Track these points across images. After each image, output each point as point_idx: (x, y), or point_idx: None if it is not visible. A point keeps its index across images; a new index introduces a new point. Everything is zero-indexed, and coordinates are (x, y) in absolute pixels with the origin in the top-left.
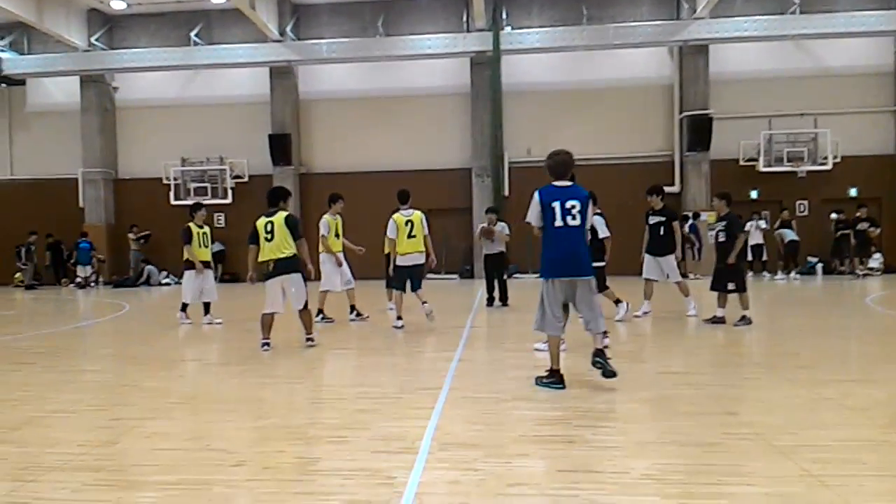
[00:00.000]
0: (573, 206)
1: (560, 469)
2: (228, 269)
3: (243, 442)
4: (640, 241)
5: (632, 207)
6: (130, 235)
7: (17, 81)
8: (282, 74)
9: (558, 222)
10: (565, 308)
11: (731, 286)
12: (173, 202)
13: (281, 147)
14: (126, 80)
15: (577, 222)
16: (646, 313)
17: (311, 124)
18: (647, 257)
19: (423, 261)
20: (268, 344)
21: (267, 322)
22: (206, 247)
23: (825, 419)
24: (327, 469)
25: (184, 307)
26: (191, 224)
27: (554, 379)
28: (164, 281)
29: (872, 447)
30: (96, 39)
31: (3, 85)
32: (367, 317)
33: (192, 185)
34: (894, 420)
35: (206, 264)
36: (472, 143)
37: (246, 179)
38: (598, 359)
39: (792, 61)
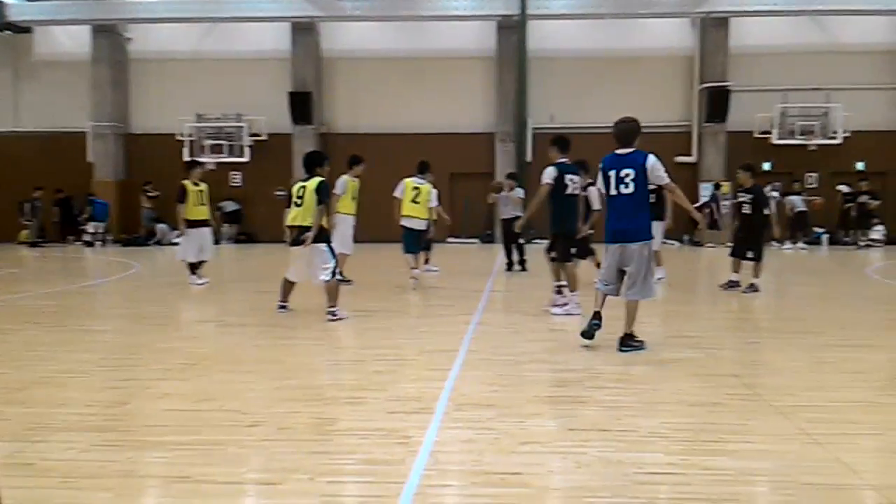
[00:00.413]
0: (626, 175)
1: (571, 428)
2: (245, 228)
3: (259, 403)
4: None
5: None
6: (146, 192)
7: (23, 28)
8: (304, 31)
9: (612, 191)
10: (621, 274)
11: (750, 254)
12: (187, 159)
13: (301, 105)
14: (140, 30)
15: (630, 190)
16: (660, 278)
17: (334, 83)
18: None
19: (422, 227)
20: (284, 306)
21: (287, 287)
22: (204, 204)
23: (824, 381)
24: (343, 429)
25: (191, 268)
26: (185, 182)
27: (636, 341)
28: (175, 240)
29: (866, 408)
30: None
31: (8, 32)
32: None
33: (208, 142)
34: (890, 382)
35: (204, 223)
36: (495, 108)
37: (264, 138)
38: (624, 344)
39: (808, 36)
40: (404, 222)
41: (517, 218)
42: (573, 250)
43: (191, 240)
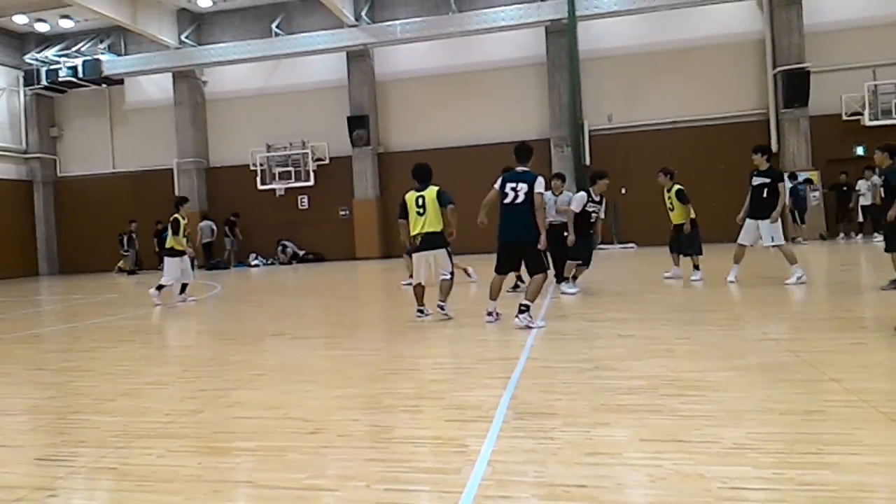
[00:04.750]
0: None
1: (642, 438)
2: (313, 248)
3: (320, 411)
4: (736, 204)
5: (723, 171)
6: (233, 222)
7: (116, 81)
8: (358, 58)
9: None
10: None
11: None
12: (260, 187)
13: (359, 128)
14: (214, 73)
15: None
16: (799, 279)
17: (388, 104)
18: (747, 221)
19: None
20: (421, 311)
21: (418, 293)
22: (185, 236)
23: None
24: (400, 437)
25: (160, 287)
26: (177, 216)
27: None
28: (253, 263)
29: None
30: (186, 37)
31: (104, 85)
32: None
33: (277, 170)
34: None
35: (182, 252)
36: (549, 114)
37: (327, 161)
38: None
39: (894, 6)
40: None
41: (563, 224)
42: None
43: (176, 267)
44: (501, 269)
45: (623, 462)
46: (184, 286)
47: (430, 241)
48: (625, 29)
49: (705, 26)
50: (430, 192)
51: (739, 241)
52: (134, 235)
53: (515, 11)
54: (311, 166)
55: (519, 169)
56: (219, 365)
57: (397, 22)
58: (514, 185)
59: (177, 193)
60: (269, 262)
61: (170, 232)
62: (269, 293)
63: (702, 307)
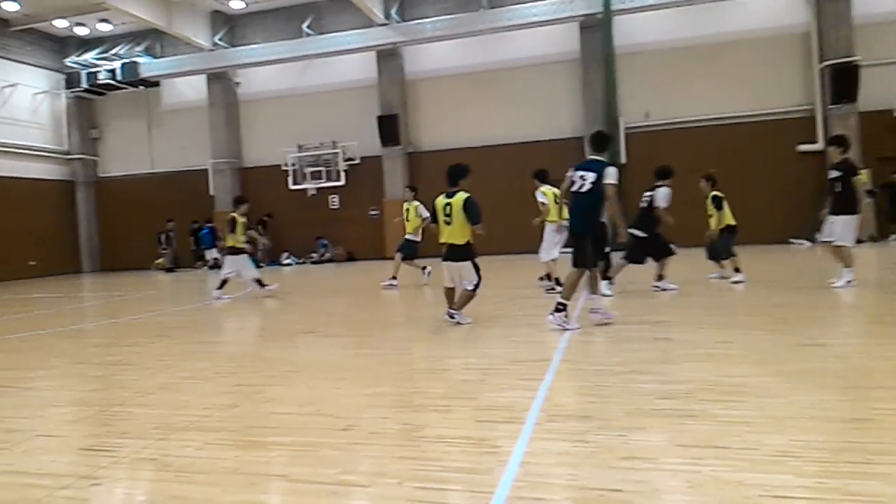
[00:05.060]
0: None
1: (680, 444)
2: (346, 247)
3: (351, 408)
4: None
5: (767, 168)
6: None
7: (152, 83)
8: (388, 57)
9: None
10: None
11: None
12: (291, 187)
13: (389, 128)
14: (246, 74)
15: None
16: (849, 282)
17: (418, 103)
18: (828, 217)
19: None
20: (451, 314)
21: (448, 295)
22: (244, 234)
23: None
24: (431, 436)
25: (222, 284)
26: (234, 214)
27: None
28: (285, 262)
29: None
30: (219, 39)
31: (142, 87)
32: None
33: (308, 170)
34: None
35: (242, 250)
36: (583, 111)
37: (357, 161)
38: None
39: None
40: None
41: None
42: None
43: (235, 264)
44: (575, 263)
45: (660, 467)
46: (258, 280)
47: (454, 254)
48: (662, 23)
49: (746, 19)
50: (458, 200)
51: (825, 238)
52: (171, 234)
53: (548, 7)
54: (342, 166)
55: (590, 157)
56: (253, 361)
57: (427, 20)
58: (582, 173)
59: (211, 192)
60: (301, 261)
61: (227, 230)
62: (300, 292)
63: (743, 310)
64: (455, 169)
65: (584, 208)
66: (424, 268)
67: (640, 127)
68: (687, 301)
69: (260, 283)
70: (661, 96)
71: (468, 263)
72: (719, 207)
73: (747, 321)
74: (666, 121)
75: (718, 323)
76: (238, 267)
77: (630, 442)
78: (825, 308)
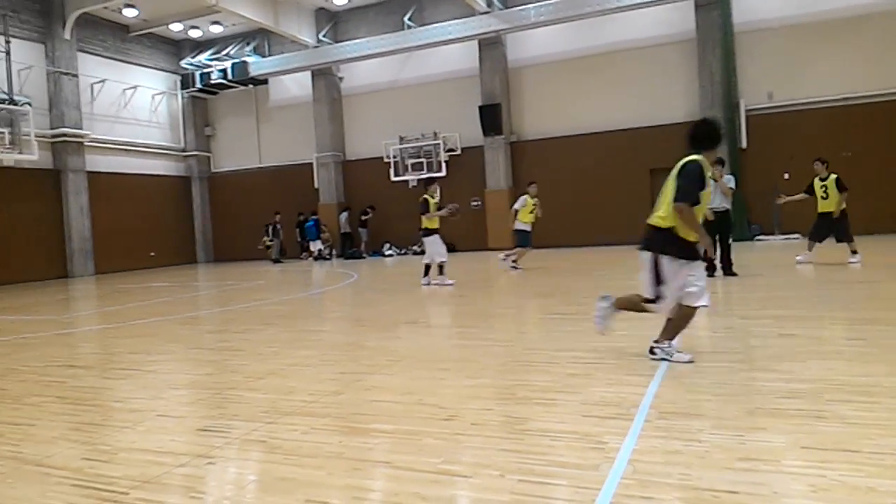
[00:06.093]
0: None
1: (804, 446)
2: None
3: (453, 398)
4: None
5: None
6: (367, 214)
7: (261, 81)
8: (490, 45)
9: None
10: None
11: None
12: (393, 178)
13: (491, 117)
14: (349, 69)
15: None
16: None
17: (521, 91)
18: None
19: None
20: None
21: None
22: (437, 210)
23: None
24: (535, 430)
25: (440, 269)
26: (426, 196)
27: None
28: (387, 252)
29: None
30: (323, 35)
31: (251, 85)
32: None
33: (410, 162)
34: None
35: (436, 230)
36: (699, 93)
37: (458, 152)
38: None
39: None
40: (524, 226)
41: (726, 212)
42: None
43: (437, 244)
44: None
45: (781, 470)
46: (440, 266)
47: (648, 239)
48: None
49: None
50: (678, 166)
51: None
52: (279, 226)
53: None
54: (443, 157)
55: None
56: (356, 350)
57: (531, 6)
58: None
59: (315, 186)
60: (403, 251)
61: (420, 211)
62: (402, 283)
63: (877, 305)
64: (698, 127)
65: None
66: (511, 257)
67: (762, 109)
68: (815, 294)
69: (441, 269)
70: (785, 76)
71: (667, 258)
72: (844, 189)
73: (882, 316)
74: (791, 101)
75: (850, 318)
76: (430, 248)
77: (748, 442)
78: None
